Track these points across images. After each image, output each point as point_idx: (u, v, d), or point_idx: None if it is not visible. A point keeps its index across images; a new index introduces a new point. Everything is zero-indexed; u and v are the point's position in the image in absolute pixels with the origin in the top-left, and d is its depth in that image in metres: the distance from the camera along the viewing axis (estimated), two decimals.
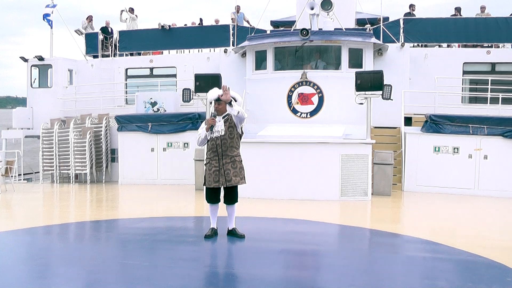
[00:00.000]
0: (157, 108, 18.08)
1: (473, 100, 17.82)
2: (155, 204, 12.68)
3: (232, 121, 7.76)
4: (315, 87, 15.70)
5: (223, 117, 7.84)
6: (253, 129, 14.67)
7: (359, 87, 13.33)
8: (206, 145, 7.97)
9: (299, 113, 15.81)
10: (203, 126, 7.93)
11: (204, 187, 8.01)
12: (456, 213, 11.64)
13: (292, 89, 15.79)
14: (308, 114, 15.74)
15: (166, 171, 16.87)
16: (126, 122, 17.25)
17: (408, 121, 16.00)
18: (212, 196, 7.97)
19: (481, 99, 17.18)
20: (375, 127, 16.02)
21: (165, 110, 18.00)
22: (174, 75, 20.33)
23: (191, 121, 16.72)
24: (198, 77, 14.53)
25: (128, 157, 17.23)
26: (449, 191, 14.42)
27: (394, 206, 12.58)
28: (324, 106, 15.61)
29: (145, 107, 18.26)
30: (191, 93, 14.91)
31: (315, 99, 15.66)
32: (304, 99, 15.66)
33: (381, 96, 13.28)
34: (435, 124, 14.75)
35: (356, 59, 15.64)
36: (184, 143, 16.76)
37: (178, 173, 16.61)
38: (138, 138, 17.08)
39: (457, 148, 14.54)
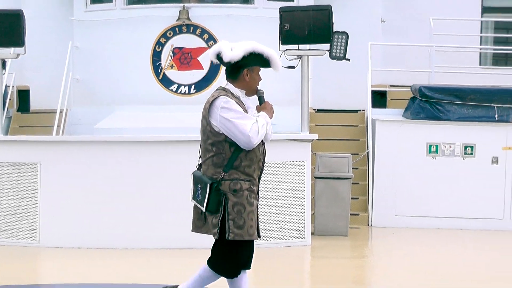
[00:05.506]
0: None
1: (501, 60, 15.15)
2: None
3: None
4: (205, 36, 12.83)
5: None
6: (87, 115, 12.82)
7: (288, 36, 10.98)
8: (229, 155, 5.28)
9: (175, 86, 12.84)
10: (242, 113, 5.18)
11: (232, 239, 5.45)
12: (472, 263, 9.76)
13: (162, 40, 12.85)
14: (192, 87, 12.69)
15: None
16: None
17: (379, 99, 13.56)
18: (250, 258, 5.64)
19: None
20: (317, 111, 13.48)
21: None
22: None
23: None
24: None
25: None
26: (455, 225, 12.00)
27: (354, 256, 10.91)
28: (223, 72, 12.22)
29: None
30: None
31: (205, 59, 12.43)
32: (185, 58, 12.74)
33: (328, 53, 11.16)
34: (430, 103, 12.44)
35: None
36: None
37: None
38: None
39: (471, 147, 11.96)
